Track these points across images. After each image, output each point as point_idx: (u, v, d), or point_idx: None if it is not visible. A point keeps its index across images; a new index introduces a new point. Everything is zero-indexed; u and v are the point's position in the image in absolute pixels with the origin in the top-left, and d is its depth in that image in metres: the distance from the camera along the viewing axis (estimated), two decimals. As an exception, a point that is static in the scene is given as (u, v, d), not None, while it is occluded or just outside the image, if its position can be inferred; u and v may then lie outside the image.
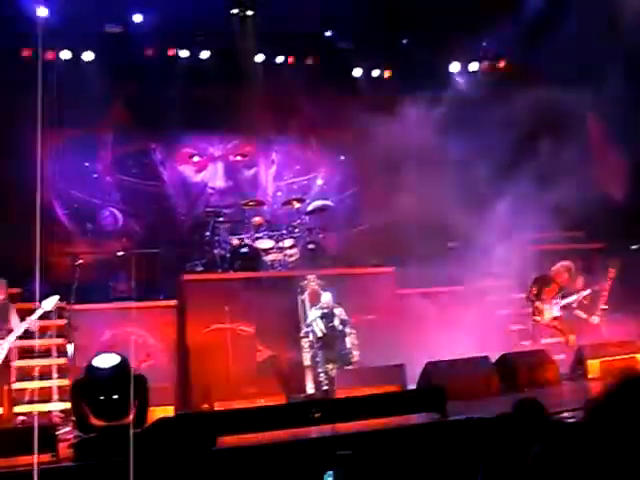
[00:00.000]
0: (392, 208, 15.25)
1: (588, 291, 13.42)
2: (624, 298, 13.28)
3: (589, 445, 1.71)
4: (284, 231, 14.41)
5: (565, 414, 7.10)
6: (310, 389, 12.46)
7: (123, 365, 3.49)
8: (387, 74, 17.23)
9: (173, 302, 13.25)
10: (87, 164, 15.71)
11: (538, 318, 13.19)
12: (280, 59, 16.62)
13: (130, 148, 15.97)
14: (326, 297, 12.80)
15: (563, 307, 13.30)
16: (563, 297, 13.33)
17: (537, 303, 13.24)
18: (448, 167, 14.38)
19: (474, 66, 17.40)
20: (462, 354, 11.58)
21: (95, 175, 15.77)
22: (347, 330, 12.64)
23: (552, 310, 13.19)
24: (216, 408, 10.03)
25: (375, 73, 17.25)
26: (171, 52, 15.82)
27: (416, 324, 13.63)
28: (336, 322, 12.62)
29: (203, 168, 16.61)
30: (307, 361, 12.56)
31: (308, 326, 12.70)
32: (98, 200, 15.61)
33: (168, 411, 9.16)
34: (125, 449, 2.73)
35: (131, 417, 3.41)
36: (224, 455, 6.24)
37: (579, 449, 1.78)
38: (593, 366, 11.83)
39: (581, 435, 1.81)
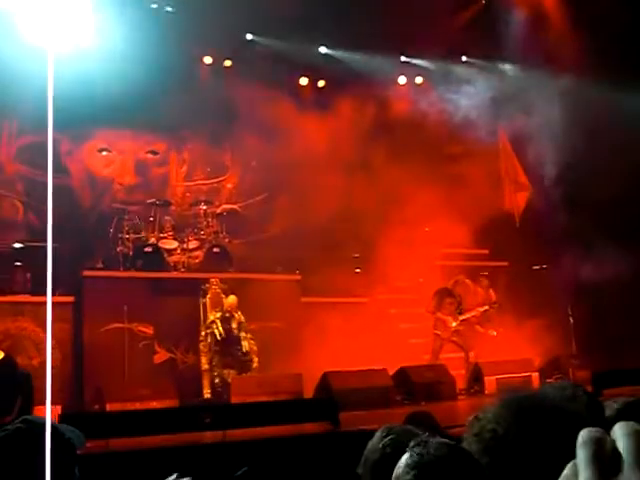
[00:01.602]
0: (301, 216, 15.25)
1: (486, 307, 13.66)
2: (524, 316, 13.57)
3: (464, 459, 1.73)
4: (190, 233, 14.23)
5: (457, 429, 7.16)
6: (207, 394, 12.32)
7: (7, 361, 3.34)
8: (304, 81, 17.18)
9: (70, 298, 12.92)
10: (-11, 154, 15.25)
11: (439, 332, 13.35)
12: (201, 59, 16.39)
13: (35, 139, 15.54)
14: (230, 300, 12.70)
15: (462, 321, 13.50)
16: (461, 312, 13.53)
17: (437, 314, 13.41)
18: (358, 175, 14.45)
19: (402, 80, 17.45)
20: (362, 365, 11.62)
21: (-3, 165, 15.31)
22: (246, 335, 12.54)
23: (451, 324, 13.37)
24: (108, 409, 9.84)
25: (296, 80, 17.19)
26: (85, 40, 15.43)
27: (318, 333, 13.64)
28: (235, 327, 12.52)
29: (111, 162, 16.27)
30: (205, 365, 12.41)
31: (207, 329, 12.56)
32: (-1, 190, 15.17)
33: (55, 410, 8.91)
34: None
35: (13, 415, 3.27)
36: (110, 458, 6.10)
37: (453, 462, 1.80)
38: (490, 383, 12.03)
39: (448, 449, 1.84)
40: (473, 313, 13.68)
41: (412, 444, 1.98)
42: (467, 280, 13.86)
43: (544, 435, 1.54)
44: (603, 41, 13.75)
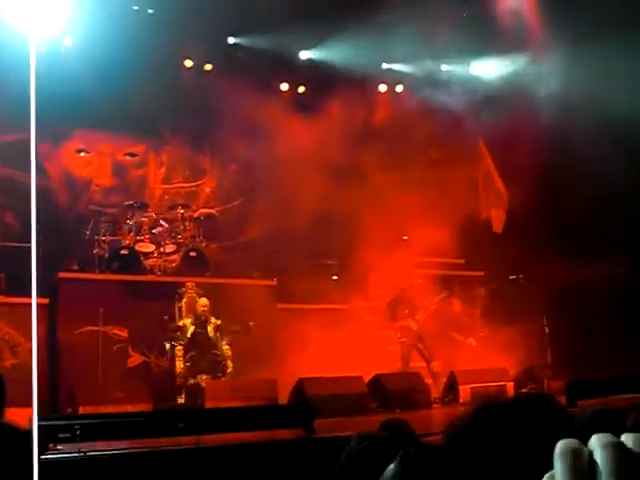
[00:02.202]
0: (278, 222, 15.23)
1: (436, 300, 13.75)
2: (499, 325, 13.64)
3: (442, 468, 1.73)
4: (166, 236, 14.17)
5: (432, 437, 7.17)
6: (180, 398, 12.25)
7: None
8: (285, 86, 17.17)
9: (45, 300, 12.83)
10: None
11: (404, 339, 13.40)
12: (182, 61, 16.34)
13: (12, 137, 15.41)
14: (202, 303, 12.66)
15: (421, 321, 13.54)
16: (413, 315, 13.60)
17: (396, 324, 13.47)
18: (338, 181, 14.47)
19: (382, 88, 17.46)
20: (337, 372, 11.62)
21: (-28, 164, 15.17)
22: (222, 340, 12.50)
23: (414, 327, 13.42)
24: (81, 412, 9.77)
25: (277, 84, 17.17)
26: (66, 41, 15.35)
27: (294, 340, 13.63)
28: (210, 331, 12.48)
29: (89, 164, 16.18)
30: (179, 369, 12.34)
31: (181, 333, 12.51)
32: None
33: (27, 413, 8.83)
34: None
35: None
36: (83, 462, 6.06)
37: (432, 472, 1.78)
38: (465, 392, 12.05)
39: (436, 458, 1.81)
40: (427, 311, 13.74)
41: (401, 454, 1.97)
42: (414, 281, 13.90)
43: (510, 442, 1.54)
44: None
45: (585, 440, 0.93)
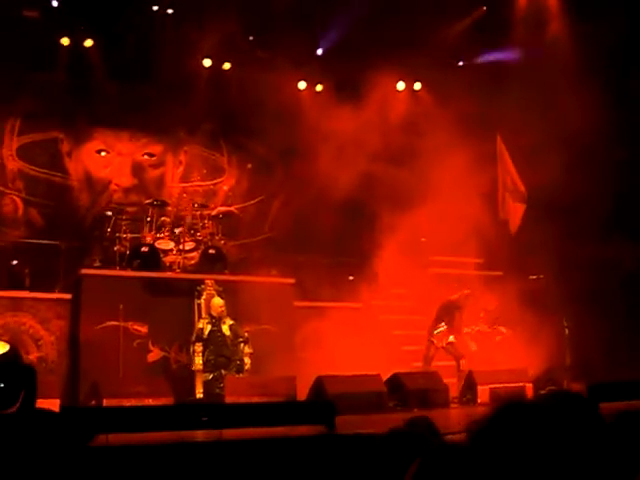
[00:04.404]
0: (296, 220, 15.30)
1: (486, 327, 13.72)
2: (519, 326, 13.61)
3: (468, 468, 1.73)
4: (186, 234, 14.27)
5: (450, 436, 7.19)
6: (199, 393, 12.34)
7: (12, 354, 3.38)
8: (302, 85, 17.21)
9: (68, 295, 12.99)
10: (-9, 150, 15.26)
11: (434, 340, 13.34)
12: (200, 61, 16.42)
13: (37, 137, 15.57)
14: (217, 302, 12.74)
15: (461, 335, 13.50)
16: (467, 324, 13.58)
17: (439, 326, 13.38)
18: (357, 180, 14.51)
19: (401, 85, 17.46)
20: (354, 370, 11.65)
21: (-2, 162, 15.32)
22: (239, 338, 12.57)
23: (449, 336, 13.37)
24: (105, 405, 9.87)
25: (301, 85, 17.21)
26: (87, 43, 15.48)
27: (311, 337, 13.72)
28: (225, 329, 12.56)
29: (109, 164, 16.32)
30: (197, 365, 12.43)
31: (199, 330, 12.60)
32: (0, 187, 15.18)
33: (54, 404, 8.96)
34: (6, 438, 2.64)
35: (16, 407, 3.32)
36: (107, 453, 6.14)
37: (457, 471, 1.82)
38: (483, 392, 12.04)
39: (461, 457, 1.84)
40: (477, 328, 13.74)
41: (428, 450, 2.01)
42: (468, 291, 13.79)
43: (537, 441, 1.56)
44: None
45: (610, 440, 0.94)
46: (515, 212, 15.57)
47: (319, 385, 10.91)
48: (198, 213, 14.70)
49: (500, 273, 15.58)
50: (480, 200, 14.53)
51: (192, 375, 12.47)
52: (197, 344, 12.51)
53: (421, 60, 15.92)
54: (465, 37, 16.36)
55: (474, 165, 14.07)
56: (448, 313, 13.45)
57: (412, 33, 14.78)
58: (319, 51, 16.98)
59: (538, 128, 14.22)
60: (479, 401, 12.00)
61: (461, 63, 17.58)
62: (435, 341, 13.33)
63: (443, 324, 13.36)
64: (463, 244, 14.71)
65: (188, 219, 14.43)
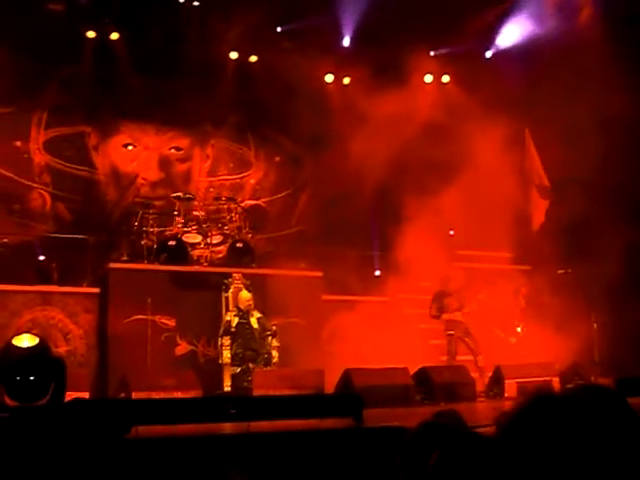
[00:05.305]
0: (324, 214, 15.28)
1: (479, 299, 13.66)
2: (546, 320, 13.51)
3: (496, 460, 1.69)
4: (213, 227, 14.29)
5: (478, 430, 7.16)
6: (227, 387, 12.37)
7: (42, 347, 3.39)
8: (330, 77, 17.14)
9: (96, 289, 13.06)
10: (19, 143, 15.35)
11: (452, 332, 13.31)
12: (227, 54, 16.41)
13: (64, 131, 15.66)
14: (244, 296, 12.75)
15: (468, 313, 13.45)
16: (461, 307, 13.51)
17: (443, 316, 13.39)
18: (385, 174, 14.45)
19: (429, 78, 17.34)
20: (381, 364, 11.63)
21: (26, 155, 15.41)
22: (266, 331, 12.59)
23: (460, 318, 13.33)
24: (134, 398, 9.92)
25: (328, 78, 17.16)
26: (113, 36, 15.54)
27: (339, 331, 13.70)
28: (253, 322, 12.57)
29: (136, 158, 16.38)
30: (225, 359, 12.46)
31: (227, 323, 12.62)
32: (27, 181, 15.29)
33: (84, 397, 9.04)
34: (38, 431, 2.65)
35: (46, 399, 3.32)
36: (137, 444, 6.16)
37: (485, 463, 1.78)
38: (510, 386, 11.99)
39: (489, 449, 1.84)
40: (474, 304, 13.66)
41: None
42: (454, 272, 13.75)
43: (564, 434, 1.54)
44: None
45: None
46: (539, 207, 15.48)
47: (347, 378, 10.90)
48: (225, 207, 14.73)
49: (528, 267, 15.48)
50: (508, 194, 14.43)
51: (220, 368, 12.50)
52: (225, 337, 12.53)
53: (451, 49, 15.84)
54: (495, 24, 16.26)
55: (503, 158, 13.99)
56: (440, 303, 13.45)
57: (443, 19, 14.69)
58: (346, 40, 16.85)
59: (572, 114, 14.02)
60: (506, 395, 11.94)
61: (491, 52, 17.42)
62: (453, 332, 13.26)
63: (444, 315, 13.36)
64: (491, 237, 14.61)
65: (214, 213, 14.46)
